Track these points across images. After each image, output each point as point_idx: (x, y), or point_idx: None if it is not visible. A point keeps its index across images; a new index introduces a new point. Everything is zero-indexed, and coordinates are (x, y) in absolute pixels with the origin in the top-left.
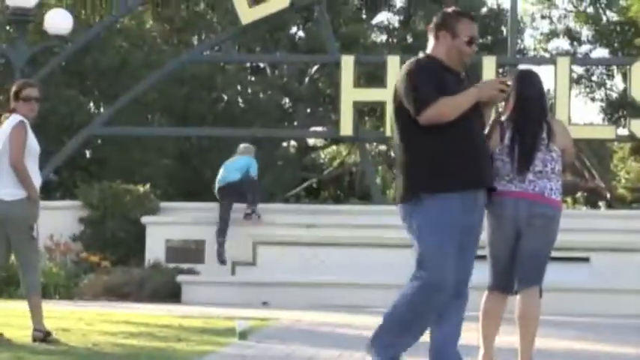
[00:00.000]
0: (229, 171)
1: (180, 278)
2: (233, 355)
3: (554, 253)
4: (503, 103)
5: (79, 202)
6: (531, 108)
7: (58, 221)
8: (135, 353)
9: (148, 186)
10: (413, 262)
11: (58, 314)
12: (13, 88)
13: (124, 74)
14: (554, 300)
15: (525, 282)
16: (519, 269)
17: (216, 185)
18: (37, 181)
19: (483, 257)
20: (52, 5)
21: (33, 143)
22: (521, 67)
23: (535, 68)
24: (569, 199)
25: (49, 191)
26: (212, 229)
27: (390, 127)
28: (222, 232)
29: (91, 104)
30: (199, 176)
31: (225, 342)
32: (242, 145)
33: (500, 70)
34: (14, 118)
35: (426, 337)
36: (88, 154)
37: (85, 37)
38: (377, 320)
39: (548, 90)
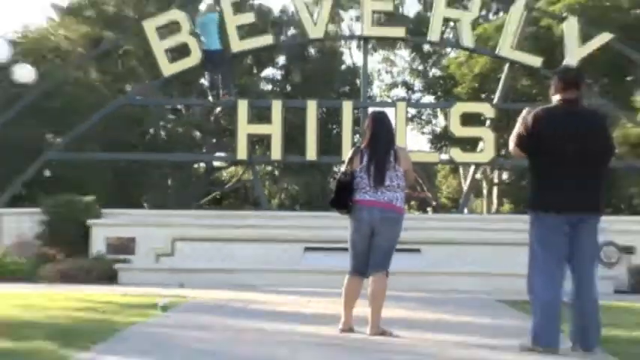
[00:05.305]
0: None
1: (117, 266)
2: (156, 324)
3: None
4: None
5: (40, 209)
6: (382, 140)
7: (24, 224)
8: (83, 323)
9: (92, 197)
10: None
11: (24, 294)
12: None
13: (75, 113)
14: (396, 281)
15: (377, 267)
16: (372, 258)
17: None
18: None
19: (346, 249)
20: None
21: None
22: (372, 109)
23: (380, 109)
24: (406, 206)
25: (17, 200)
26: (140, 230)
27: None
28: None
29: (50, 135)
30: (131, 190)
31: (150, 314)
32: None
33: (356, 111)
34: None
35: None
36: (47, 172)
37: (44, 86)
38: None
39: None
